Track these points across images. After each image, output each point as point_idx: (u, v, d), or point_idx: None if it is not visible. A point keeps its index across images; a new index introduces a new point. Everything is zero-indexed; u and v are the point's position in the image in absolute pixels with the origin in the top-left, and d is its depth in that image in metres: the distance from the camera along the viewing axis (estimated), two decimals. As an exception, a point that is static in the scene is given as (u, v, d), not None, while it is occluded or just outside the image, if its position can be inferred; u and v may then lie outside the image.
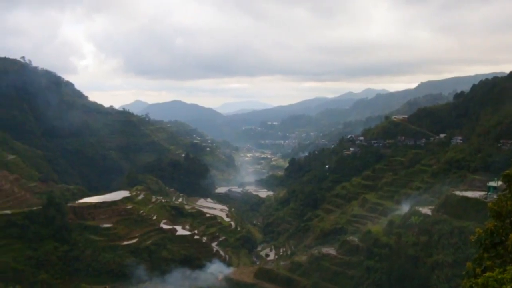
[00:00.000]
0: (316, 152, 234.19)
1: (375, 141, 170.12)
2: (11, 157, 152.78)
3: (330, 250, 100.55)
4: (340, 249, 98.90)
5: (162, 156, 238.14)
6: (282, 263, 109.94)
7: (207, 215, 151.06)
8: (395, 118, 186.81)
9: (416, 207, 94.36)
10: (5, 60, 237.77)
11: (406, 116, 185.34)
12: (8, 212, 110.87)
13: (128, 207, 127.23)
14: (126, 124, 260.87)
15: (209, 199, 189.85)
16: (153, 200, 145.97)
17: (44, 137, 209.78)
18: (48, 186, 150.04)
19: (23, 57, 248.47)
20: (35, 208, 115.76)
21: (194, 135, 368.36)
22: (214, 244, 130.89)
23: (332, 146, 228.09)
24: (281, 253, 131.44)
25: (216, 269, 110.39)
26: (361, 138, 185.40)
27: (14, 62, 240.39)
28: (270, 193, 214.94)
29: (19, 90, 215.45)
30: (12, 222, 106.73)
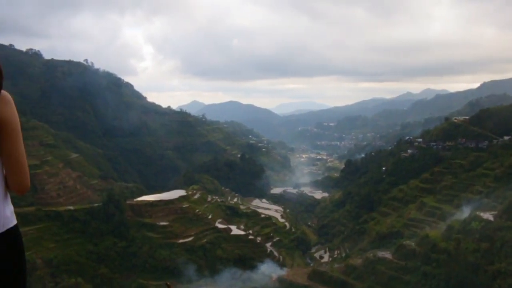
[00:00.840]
0: (372, 153, 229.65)
1: (434, 143, 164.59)
2: (74, 155, 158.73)
3: (386, 254, 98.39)
4: (396, 253, 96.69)
5: (218, 156, 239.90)
6: (336, 265, 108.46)
7: (262, 216, 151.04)
8: (455, 119, 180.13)
9: (477, 212, 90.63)
10: (69, 63, 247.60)
11: (467, 117, 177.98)
12: (72, 208, 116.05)
13: (184, 206, 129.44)
14: (183, 124, 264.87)
15: (264, 200, 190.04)
16: (209, 199, 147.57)
17: (105, 137, 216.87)
18: (108, 183, 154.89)
19: (86, 60, 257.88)
20: (96, 204, 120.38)
21: (250, 136, 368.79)
22: (268, 245, 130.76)
23: (390, 147, 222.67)
24: (335, 256, 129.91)
25: (270, 270, 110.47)
26: (420, 139, 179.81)
27: (77, 64, 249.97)
28: (326, 194, 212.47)
29: (81, 92, 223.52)
30: (75, 217, 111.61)
